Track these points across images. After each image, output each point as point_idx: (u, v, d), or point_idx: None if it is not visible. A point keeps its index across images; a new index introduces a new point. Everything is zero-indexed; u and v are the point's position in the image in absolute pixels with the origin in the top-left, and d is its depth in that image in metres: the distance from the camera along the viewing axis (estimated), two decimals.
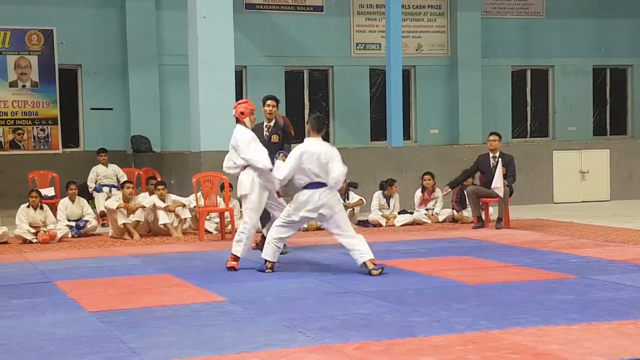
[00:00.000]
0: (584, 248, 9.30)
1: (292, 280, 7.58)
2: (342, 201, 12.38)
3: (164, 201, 11.45)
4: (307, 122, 8.33)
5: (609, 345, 4.93)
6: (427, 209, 12.73)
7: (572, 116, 19.09)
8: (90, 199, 13.03)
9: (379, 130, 17.37)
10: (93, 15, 16.03)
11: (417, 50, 18.02)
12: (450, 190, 12.04)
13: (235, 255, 8.34)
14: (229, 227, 11.29)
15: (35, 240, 10.79)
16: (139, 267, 8.65)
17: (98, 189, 13.49)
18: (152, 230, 11.55)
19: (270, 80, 16.71)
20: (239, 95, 15.65)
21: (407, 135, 17.45)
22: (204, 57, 12.63)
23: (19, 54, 15.67)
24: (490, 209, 12.12)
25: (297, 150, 7.99)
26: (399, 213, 12.60)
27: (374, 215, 12.41)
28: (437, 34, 18.17)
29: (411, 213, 12.56)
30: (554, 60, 18.93)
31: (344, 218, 8.09)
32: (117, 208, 11.12)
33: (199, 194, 11.61)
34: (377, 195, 12.66)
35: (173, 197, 11.69)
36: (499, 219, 11.64)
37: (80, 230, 11.48)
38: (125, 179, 13.18)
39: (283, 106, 16.63)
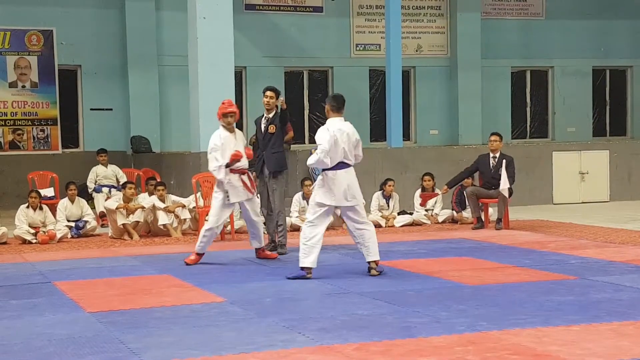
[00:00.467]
0: (584, 249, 9.30)
1: (291, 281, 7.57)
2: None
3: (163, 202, 11.45)
4: (326, 103, 8.10)
5: (609, 346, 4.93)
6: (426, 210, 12.73)
7: (572, 117, 19.09)
8: (89, 199, 13.02)
9: (378, 131, 17.36)
10: (93, 16, 16.03)
11: (416, 51, 18.02)
12: (448, 189, 12.04)
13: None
14: (229, 227, 11.28)
15: (34, 241, 10.79)
16: (138, 267, 8.65)
17: (97, 190, 13.49)
18: (151, 230, 11.55)
19: (270, 80, 16.63)
20: (238, 96, 15.67)
21: (406, 136, 17.45)
22: (204, 57, 12.63)
23: (18, 55, 15.66)
24: (490, 210, 12.12)
25: (326, 130, 7.68)
26: (399, 214, 12.60)
27: (374, 216, 12.40)
28: (436, 35, 18.17)
29: (411, 214, 12.56)
30: (554, 61, 18.93)
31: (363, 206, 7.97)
32: (117, 208, 11.11)
33: (199, 194, 11.61)
34: (377, 195, 12.66)
35: (173, 197, 11.69)
36: (499, 220, 11.64)
37: (80, 231, 11.47)
38: (125, 179, 13.18)
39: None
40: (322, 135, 7.68)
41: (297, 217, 12.04)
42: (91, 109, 16.23)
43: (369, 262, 7.82)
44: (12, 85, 15.65)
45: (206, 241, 8.80)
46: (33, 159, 15.34)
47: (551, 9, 18.80)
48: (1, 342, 5.31)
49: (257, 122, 9.71)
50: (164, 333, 5.49)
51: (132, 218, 11.19)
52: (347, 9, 17.52)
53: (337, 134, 7.67)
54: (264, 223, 9.60)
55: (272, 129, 9.42)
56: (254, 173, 9.60)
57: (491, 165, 11.83)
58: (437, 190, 12.75)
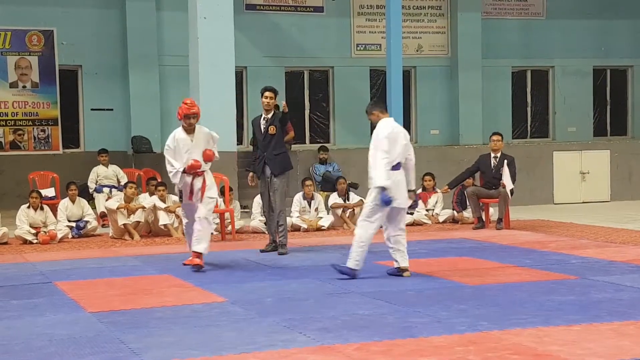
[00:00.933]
0: (585, 249, 9.30)
1: (292, 280, 7.58)
2: (343, 202, 12.41)
3: (164, 202, 11.46)
4: (372, 109, 7.83)
5: (610, 346, 4.93)
6: (427, 210, 12.73)
7: (573, 117, 19.08)
8: (90, 199, 13.03)
9: None
10: (93, 16, 16.02)
11: (417, 51, 18.01)
12: (449, 190, 12.04)
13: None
14: (229, 227, 11.29)
15: (35, 241, 10.79)
16: (139, 267, 8.65)
17: (98, 190, 13.50)
18: (152, 230, 11.55)
19: (270, 80, 16.61)
20: (239, 96, 15.66)
21: None
22: (205, 57, 12.63)
23: (19, 55, 15.66)
24: (491, 210, 12.12)
25: (383, 131, 7.58)
26: None
27: None
28: (437, 35, 18.16)
29: (411, 214, 12.55)
30: (555, 60, 18.92)
31: None
32: (118, 208, 11.12)
33: None
34: None
35: (173, 197, 11.68)
36: (500, 220, 11.64)
37: (81, 231, 11.48)
38: (126, 179, 13.20)
39: None
40: (381, 145, 7.54)
41: (297, 217, 12.05)
42: (92, 109, 16.22)
43: (399, 267, 7.72)
44: (13, 85, 15.65)
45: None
46: (34, 159, 15.34)
47: (552, 8, 18.79)
48: (2, 342, 5.32)
49: (255, 123, 9.66)
50: (164, 333, 5.49)
51: (133, 218, 11.20)
52: (348, 9, 17.52)
53: (393, 136, 7.62)
54: (265, 223, 9.61)
55: (272, 130, 9.40)
56: (251, 174, 9.54)
57: (492, 165, 11.84)
58: (437, 190, 12.76)
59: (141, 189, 13.14)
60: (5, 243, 10.75)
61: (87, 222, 11.61)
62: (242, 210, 12.66)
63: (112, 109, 16.19)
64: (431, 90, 18.04)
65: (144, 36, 15.99)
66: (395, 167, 7.62)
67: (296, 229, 11.87)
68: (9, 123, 15.67)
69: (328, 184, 13.65)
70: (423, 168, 13.52)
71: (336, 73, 17.60)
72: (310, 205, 12.19)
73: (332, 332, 5.40)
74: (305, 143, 17.24)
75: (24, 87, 15.72)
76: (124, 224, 11.10)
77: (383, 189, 7.45)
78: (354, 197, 12.52)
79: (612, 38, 19.17)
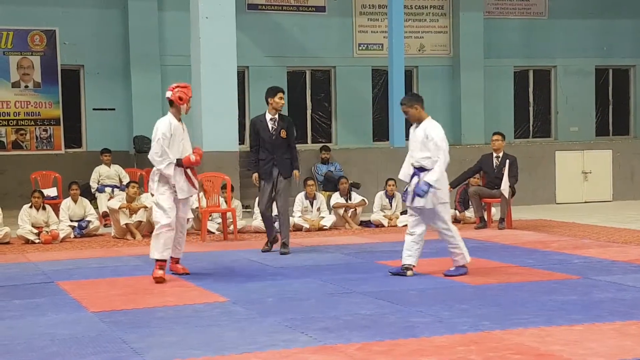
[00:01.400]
0: (587, 248, 9.29)
1: (294, 280, 7.57)
2: (345, 202, 12.41)
3: None
4: (414, 103, 7.76)
5: (612, 346, 4.92)
6: None
7: (575, 116, 19.08)
8: (92, 199, 13.04)
9: (381, 131, 17.35)
10: (95, 16, 16.04)
11: (419, 50, 18.01)
12: (452, 189, 12.02)
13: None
14: (231, 227, 11.29)
15: (37, 241, 10.79)
16: (141, 267, 8.65)
17: (100, 190, 13.51)
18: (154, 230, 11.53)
19: (272, 80, 16.65)
20: (241, 96, 15.68)
21: (409, 135, 17.42)
22: (206, 57, 12.63)
23: (21, 55, 15.68)
24: (493, 210, 12.11)
25: (441, 132, 7.65)
26: (402, 213, 12.58)
27: (376, 216, 12.40)
28: (439, 35, 18.16)
29: None
30: (557, 60, 18.92)
31: None
32: (120, 208, 11.12)
33: (201, 194, 11.61)
34: (380, 195, 12.66)
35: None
36: (502, 220, 11.63)
37: (83, 231, 11.48)
38: (128, 179, 13.21)
39: (285, 106, 16.65)
40: (442, 146, 7.58)
41: (299, 217, 12.05)
42: (94, 109, 16.25)
43: (404, 265, 7.72)
44: (15, 85, 15.68)
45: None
46: (36, 159, 15.37)
47: (554, 8, 18.79)
48: (4, 342, 5.32)
49: (261, 124, 9.42)
50: (166, 333, 5.49)
51: (135, 218, 11.20)
52: (350, 9, 17.52)
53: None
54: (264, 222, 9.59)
55: (283, 133, 9.38)
56: (256, 174, 9.42)
57: (494, 165, 11.83)
58: None
59: (143, 189, 13.14)
60: (8, 243, 10.76)
61: (89, 221, 11.61)
62: (244, 210, 12.66)
63: (114, 109, 16.22)
64: (433, 90, 18.04)
65: (146, 36, 16.01)
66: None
67: (298, 228, 11.86)
68: (11, 123, 15.69)
69: (330, 184, 13.65)
70: None
71: (338, 73, 17.60)
72: (312, 205, 12.19)
73: (334, 332, 5.39)
74: (307, 143, 17.25)
75: (26, 86, 15.74)
76: (126, 224, 11.10)
77: (430, 186, 7.46)
78: (355, 197, 12.52)
79: (615, 38, 19.17)
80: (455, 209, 12.69)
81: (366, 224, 12.36)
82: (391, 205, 12.63)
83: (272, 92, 9.39)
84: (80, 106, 16.30)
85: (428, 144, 7.58)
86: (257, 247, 9.87)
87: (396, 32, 14.78)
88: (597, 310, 5.94)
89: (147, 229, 11.51)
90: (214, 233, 11.61)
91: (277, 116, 9.39)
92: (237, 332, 5.47)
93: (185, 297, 6.83)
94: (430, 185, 7.47)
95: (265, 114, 9.45)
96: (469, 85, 17.88)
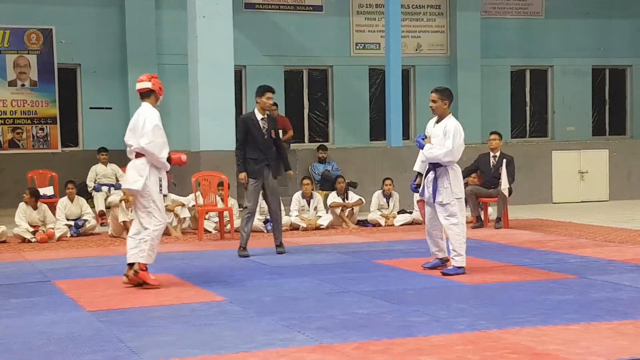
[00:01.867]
0: (583, 248, 9.31)
1: (291, 280, 7.57)
2: (342, 201, 12.41)
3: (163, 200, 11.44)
4: (447, 98, 7.85)
5: (608, 345, 4.93)
6: None
7: (571, 116, 19.10)
8: (89, 198, 13.03)
9: (378, 130, 17.36)
10: (92, 15, 16.02)
11: (416, 50, 18.02)
12: None
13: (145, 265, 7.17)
14: (228, 226, 11.29)
15: (33, 240, 10.78)
16: None
17: (97, 189, 13.50)
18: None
19: (269, 79, 16.64)
20: (238, 95, 15.67)
21: (406, 134, 17.45)
22: (204, 56, 12.62)
23: (18, 53, 15.66)
24: (490, 209, 12.13)
25: (458, 125, 7.75)
26: (399, 213, 12.60)
27: (374, 215, 12.41)
28: (436, 34, 18.17)
29: (410, 213, 12.56)
30: (554, 60, 18.93)
31: None
32: (121, 200, 11.02)
33: (198, 193, 11.61)
34: (377, 195, 12.67)
35: (172, 196, 11.68)
36: (498, 219, 11.65)
37: (79, 230, 11.47)
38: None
39: (282, 106, 16.66)
40: (459, 141, 7.68)
41: (296, 216, 12.05)
42: (90, 108, 16.22)
43: (444, 259, 7.87)
44: (12, 83, 15.65)
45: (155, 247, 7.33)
46: (32, 158, 15.34)
47: (551, 8, 18.80)
48: (1, 341, 5.31)
49: (251, 122, 9.27)
50: (163, 332, 5.49)
51: (132, 216, 11.17)
52: (347, 8, 17.52)
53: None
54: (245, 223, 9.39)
55: (273, 133, 9.37)
56: (244, 174, 9.21)
57: (491, 164, 11.85)
58: None
59: None
60: (4, 242, 10.75)
61: (85, 220, 11.61)
62: (241, 209, 12.65)
63: (110, 108, 16.19)
64: (430, 89, 17.78)
65: (143, 35, 15.99)
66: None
67: (295, 227, 11.87)
68: (8, 122, 15.66)
69: (327, 183, 13.65)
70: None
71: (335, 72, 17.60)
72: (309, 204, 12.20)
73: (331, 331, 5.40)
74: (304, 142, 17.24)
75: (23, 85, 15.72)
76: (124, 221, 11.09)
77: (422, 145, 7.71)
78: (352, 196, 12.53)
79: (611, 37, 19.19)
80: None
81: (363, 223, 12.37)
82: (388, 205, 12.63)
83: (261, 91, 9.30)
84: (77, 105, 16.28)
85: (450, 141, 7.68)
86: (254, 246, 9.86)
87: (393, 32, 14.79)
88: (593, 309, 5.95)
89: None
90: (211, 232, 11.61)
91: (266, 116, 9.35)
92: (234, 331, 5.47)
93: (182, 296, 6.82)
94: (421, 144, 7.73)
95: (254, 112, 9.31)
96: (466, 85, 17.88)
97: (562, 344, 4.94)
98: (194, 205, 11.61)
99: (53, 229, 10.97)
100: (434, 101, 7.88)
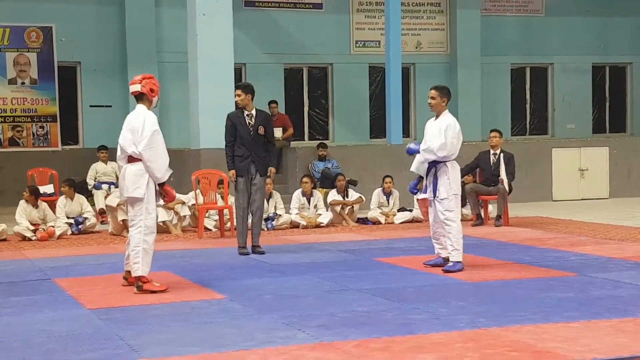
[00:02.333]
0: (583, 246, 9.31)
1: (291, 277, 7.57)
2: (342, 199, 12.41)
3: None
4: (446, 96, 7.96)
5: (608, 342, 4.93)
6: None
7: (572, 114, 19.09)
8: (89, 196, 13.03)
9: (378, 128, 17.36)
10: (92, 13, 16.01)
11: (416, 47, 18.01)
12: None
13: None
14: (228, 224, 11.29)
15: (34, 238, 10.78)
16: None
17: (97, 187, 13.51)
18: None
19: (269, 77, 16.71)
20: None
21: (406, 132, 17.45)
22: (204, 54, 12.62)
23: (18, 51, 15.65)
24: (490, 207, 12.12)
25: (453, 121, 7.87)
26: (399, 210, 12.60)
27: (374, 213, 12.41)
28: (436, 32, 18.16)
29: (410, 210, 12.56)
30: (554, 57, 18.92)
31: None
32: (118, 205, 11.08)
33: (198, 191, 11.61)
34: (377, 192, 12.67)
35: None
36: (498, 217, 11.65)
37: (80, 227, 11.47)
38: None
39: (282, 104, 16.66)
40: (454, 143, 7.82)
41: (296, 213, 12.05)
42: (90, 106, 16.22)
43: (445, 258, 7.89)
44: (12, 81, 15.64)
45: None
46: (32, 156, 15.34)
47: (551, 5, 18.79)
48: (1, 339, 5.31)
49: (237, 118, 9.19)
50: (163, 330, 5.49)
51: None
52: (347, 6, 17.51)
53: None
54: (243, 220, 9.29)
55: (261, 130, 9.24)
56: (233, 171, 9.13)
57: (491, 162, 11.85)
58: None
59: None
60: (4, 240, 10.75)
61: (86, 218, 11.60)
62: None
63: (110, 106, 16.18)
64: (430, 87, 17.97)
65: (143, 33, 15.98)
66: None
67: (295, 225, 11.87)
68: (8, 119, 15.66)
69: (327, 181, 13.65)
70: None
71: (335, 70, 17.60)
72: (309, 202, 12.20)
73: (331, 329, 5.40)
74: (304, 140, 17.24)
75: (23, 83, 15.71)
76: (123, 220, 11.09)
77: (416, 151, 7.88)
78: (353, 194, 12.52)
79: (611, 35, 19.18)
80: None
81: (363, 221, 12.37)
82: (388, 203, 12.63)
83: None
84: (77, 103, 16.28)
85: (445, 133, 7.78)
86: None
87: (393, 30, 14.78)
88: (593, 307, 5.95)
89: None
90: (210, 230, 11.61)
91: (254, 112, 9.21)
92: (235, 329, 5.47)
93: (182, 294, 6.82)
94: (416, 150, 7.84)
95: (242, 109, 9.24)
96: (466, 83, 17.88)
97: (562, 342, 4.94)
98: (194, 204, 11.61)
99: (53, 227, 10.97)
100: (432, 98, 7.99)
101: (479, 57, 18.03)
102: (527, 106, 19.16)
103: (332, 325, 5.51)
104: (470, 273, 7.56)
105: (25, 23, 15.64)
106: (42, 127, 15.86)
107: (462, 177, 12.04)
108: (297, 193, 12.26)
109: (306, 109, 17.63)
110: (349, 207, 12.41)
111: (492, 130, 12.13)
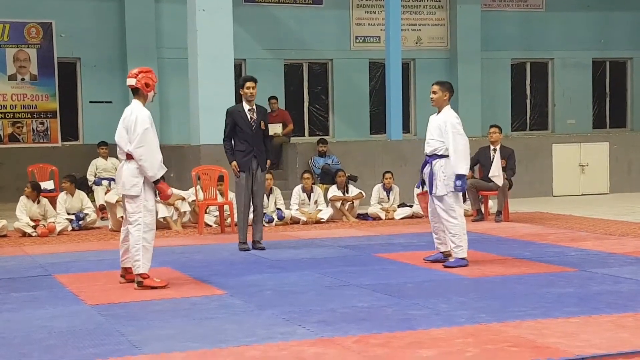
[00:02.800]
0: (583, 241, 9.31)
1: (291, 273, 7.58)
2: (342, 195, 12.41)
3: None
4: (448, 91, 7.93)
5: (608, 338, 4.93)
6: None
7: (572, 109, 19.09)
8: (89, 192, 13.03)
9: (378, 124, 17.36)
10: (92, 8, 16.00)
11: (416, 43, 17.99)
12: None
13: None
14: (229, 220, 11.29)
15: (34, 234, 10.79)
16: None
17: (97, 182, 13.51)
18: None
19: (269, 73, 16.69)
20: (238, 88, 15.62)
21: (406, 128, 17.45)
22: (204, 50, 12.61)
23: (17, 47, 15.64)
24: (490, 202, 12.12)
25: (458, 119, 7.85)
26: (399, 206, 12.60)
27: (374, 209, 12.41)
28: (436, 27, 18.14)
29: (410, 206, 12.55)
30: (554, 53, 18.91)
31: None
32: (117, 202, 11.09)
33: (198, 187, 11.61)
34: (377, 188, 12.67)
35: (174, 190, 11.67)
36: (499, 212, 11.65)
37: (80, 223, 11.47)
38: None
39: (282, 99, 16.65)
40: (461, 141, 7.75)
41: (297, 209, 12.05)
42: (90, 102, 16.22)
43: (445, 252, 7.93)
44: (12, 78, 15.64)
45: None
46: (33, 152, 15.34)
47: (551, 0, 18.78)
48: (1, 335, 5.32)
49: (238, 113, 9.18)
50: (164, 326, 5.50)
51: None
52: (347, 1, 17.49)
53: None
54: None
55: (263, 125, 9.26)
56: (235, 163, 9.09)
57: (492, 157, 11.84)
58: None
59: None
60: (5, 236, 10.76)
61: (86, 214, 11.60)
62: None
63: (110, 102, 16.18)
64: (430, 82, 17.59)
65: (143, 28, 15.97)
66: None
67: (295, 221, 11.87)
68: (8, 116, 15.66)
69: (327, 177, 13.65)
70: (422, 161, 13.48)
71: (335, 65, 17.59)
72: (309, 198, 12.20)
73: (332, 324, 5.40)
74: (304, 136, 17.24)
75: (23, 79, 15.71)
76: (122, 217, 11.08)
77: (463, 176, 7.67)
78: (353, 190, 12.52)
79: (612, 30, 19.17)
80: None
81: (363, 216, 12.37)
82: (388, 198, 12.63)
83: (242, 81, 9.27)
84: (77, 99, 16.28)
85: (445, 132, 7.76)
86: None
87: (393, 25, 14.76)
88: (593, 302, 5.96)
89: None
90: (211, 226, 11.61)
91: (254, 107, 9.25)
92: (235, 324, 5.48)
93: (182, 290, 6.83)
94: (462, 178, 7.65)
95: (242, 104, 9.24)
96: (466, 78, 17.87)
97: (562, 337, 4.95)
98: (194, 200, 11.61)
99: (54, 223, 10.97)
100: (434, 92, 8.00)
101: (479, 53, 18.02)
102: (528, 101, 19.16)
103: (332, 320, 5.51)
104: (471, 269, 7.57)
105: (25, 19, 15.63)
106: (42, 123, 15.86)
107: None
108: (298, 189, 12.26)
109: (306, 104, 17.63)
110: (349, 202, 12.41)
111: (491, 126, 12.12)
